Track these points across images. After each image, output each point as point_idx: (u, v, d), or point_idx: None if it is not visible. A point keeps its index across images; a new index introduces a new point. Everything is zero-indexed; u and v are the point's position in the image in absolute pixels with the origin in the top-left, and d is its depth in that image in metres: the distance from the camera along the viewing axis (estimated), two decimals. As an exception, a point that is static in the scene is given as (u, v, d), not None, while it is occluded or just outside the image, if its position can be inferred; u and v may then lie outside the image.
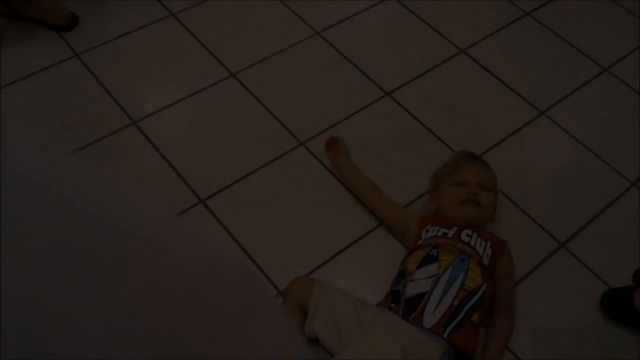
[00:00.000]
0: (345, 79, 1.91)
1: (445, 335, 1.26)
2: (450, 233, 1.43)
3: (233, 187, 1.64)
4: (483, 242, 1.42)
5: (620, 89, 1.98)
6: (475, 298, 1.32)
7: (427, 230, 1.46)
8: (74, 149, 1.67)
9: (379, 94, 1.88)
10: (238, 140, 1.74)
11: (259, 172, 1.67)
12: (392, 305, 1.34)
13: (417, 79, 1.93)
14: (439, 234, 1.43)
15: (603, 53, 2.07)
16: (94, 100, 1.79)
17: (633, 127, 1.88)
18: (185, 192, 1.61)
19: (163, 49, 1.94)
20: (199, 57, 1.93)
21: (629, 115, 1.91)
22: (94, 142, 1.70)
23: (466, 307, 1.30)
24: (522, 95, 1.92)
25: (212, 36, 1.98)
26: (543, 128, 1.85)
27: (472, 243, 1.41)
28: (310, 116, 1.80)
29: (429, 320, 1.28)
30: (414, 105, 1.86)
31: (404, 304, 1.32)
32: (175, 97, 1.82)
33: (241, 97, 1.83)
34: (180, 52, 1.94)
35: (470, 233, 1.43)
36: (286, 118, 1.79)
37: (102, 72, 1.85)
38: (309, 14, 2.07)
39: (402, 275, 1.39)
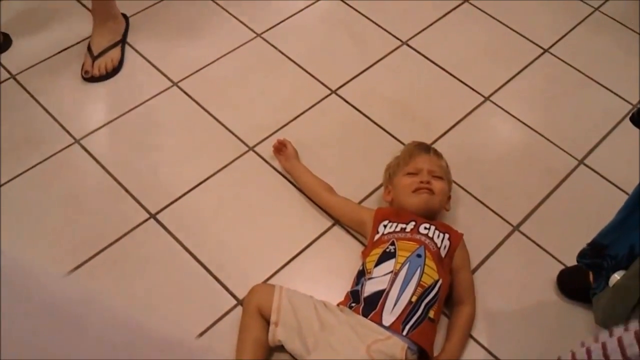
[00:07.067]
0: (290, 80, 1.90)
1: (404, 333, 1.27)
2: (409, 227, 1.43)
3: (184, 198, 1.61)
4: (441, 234, 1.43)
5: (561, 68, 2.00)
6: (432, 294, 1.33)
7: (385, 226, 1.46)
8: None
9: (325, 92, 1.87)
10: (186, 150, 1.72)
11: (210, 181, 1.65)
12: (353, 304, 1.33)
13: (361, 74, 1.93)
14: (397, 229, 1.44)
15: (542, 34, 2.10)
16: (35, 121, 1.74)
17: (576, 105, 1.91)
18: (135, 208, 1.58)
19: (102, 63, 1.90)
20: (139, 68, 1.89)
21: (572, 94, 1.94)
22: (39, 164, 1.66)
23: (423, 304, 1.31)
24: (466, 82, 1.93)
25: (151, 46, 1.95)
26: (489, 113, 1.87)
27: (430, 234, 1.42)
28: (257, 120, 1.79)
29: (388, 318, 1.28)
30: (361, 101, 1.86)
31: (363, 303, 1.32)
32: (118, 112, 1.78)
33: (185, 106, 1.81)
34: (119, 65, 1.90)
35: (427, 226, 1.44)
36: (233, 124, 1.77)
37: (40, 92, 1.81)
38: (248, 17, 2.05)
39: (362, 274, 1.39)
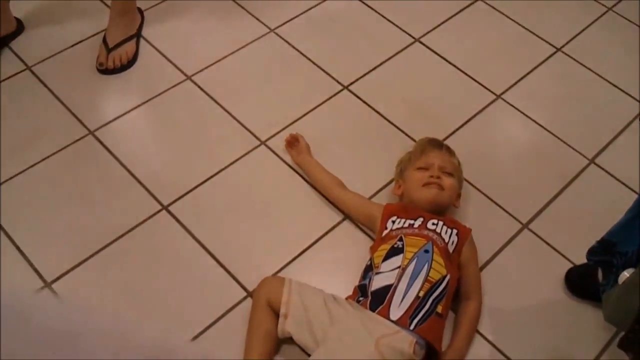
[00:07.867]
0: (303, 75, 1.91)
1: (411, 328, 1.28)
2: (417, 223, 1.44)
3: (196, 191, 1.63)
4: (449, 230, 1.44)
5: (573, 67, 2.00)
6: (440, 289, 1.34)
7: (394, 222, 1.47)
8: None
9: (337, 88, 1.88)
10: (198, 143, 1.73)
11: (222, 174, 1.67)
12: (361, 298, 1.35)
13: (373, 71, 1.94)
14: (405, 225, 1.45)
15: (555, 33, 2.09)
16: (50, 112, 1.76)
17: (588, 104, 1.91)
18: (148, 199, 1.60)
19: (116, 55, 1.92)
20: (153, 62, 1.91)
21: (584, 93, 1.94)
22: (53, 155, 1.68)
23: (431, 299, 1.32)
24: (478, 80, 1.93)
25: (165, 40, 1.97)
26: (500, 111, 1.87)
27: (438, 230, 1.43)
28: (269, 114, 1.80)
29: (395, 312, 1.29)
30: (373, 97, 1.86)
31: (370, 297, 1.33)
32: (132, 104, 1.80)
33: (199, 100, 1.82)
34: (134, 58, 1.92)
35: (435, 222, 1.45)
36: (245, 118, 1.78)
37: (55, 84, 1.82)
38: (262, 12, 2.06)
39: (369, 269, 1.40)
